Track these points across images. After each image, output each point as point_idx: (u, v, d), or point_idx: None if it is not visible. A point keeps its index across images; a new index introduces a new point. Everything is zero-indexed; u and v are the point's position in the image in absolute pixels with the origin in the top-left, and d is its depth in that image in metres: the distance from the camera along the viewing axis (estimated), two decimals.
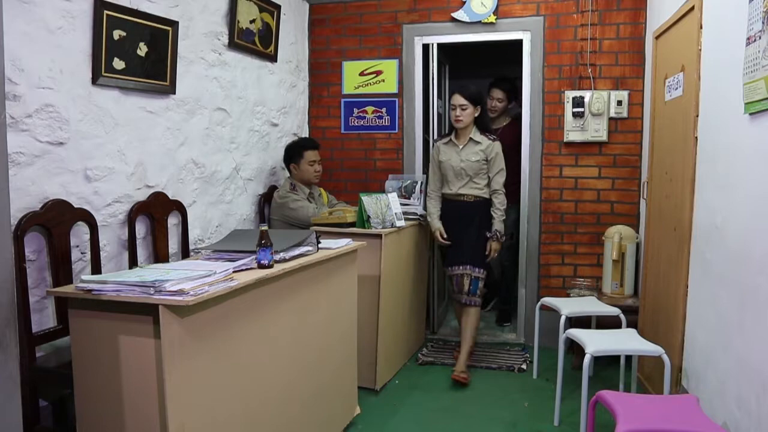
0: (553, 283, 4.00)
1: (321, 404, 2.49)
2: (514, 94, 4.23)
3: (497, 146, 3.43)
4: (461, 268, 3.46)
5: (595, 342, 2.53)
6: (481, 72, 5.06)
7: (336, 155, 4.35)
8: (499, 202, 3.44)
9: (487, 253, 3.43)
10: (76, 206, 2.40)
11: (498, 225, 3.43)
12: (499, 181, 3.43)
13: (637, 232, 3.68)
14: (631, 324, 3.09)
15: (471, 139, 3.42)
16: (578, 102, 3.81)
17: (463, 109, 3.35)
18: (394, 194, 3.56)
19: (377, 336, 3.20)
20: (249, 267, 2.02)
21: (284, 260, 2.16)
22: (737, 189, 2.10)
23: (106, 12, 2.48)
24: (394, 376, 3.49)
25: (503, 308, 4.49)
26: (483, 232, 3.42)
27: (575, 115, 3.82)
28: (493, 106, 4.15)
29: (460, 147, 3.43)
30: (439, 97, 4.46)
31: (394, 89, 4.21)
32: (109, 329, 1.71)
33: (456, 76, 5.12)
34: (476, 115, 3.40)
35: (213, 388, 1.80)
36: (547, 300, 3.35)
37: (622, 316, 3.04)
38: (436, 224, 3.54)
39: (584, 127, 3.83)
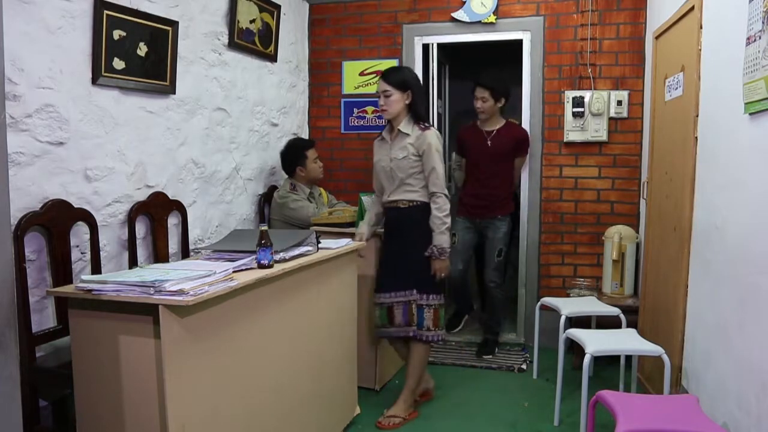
0: (553, 283, 4.00)
1: (321, 404, 2.49)
2: (500, 92, 3.65)
3: (429, 136, 2.76)
4: (394, 294, 2.86)
5: (595, 342, 2.53)
6: (480, 72, 5.06)
7: (336, 155, 4.34)
8: (437, 208, 2.76)
9: (432, 273, 2.82)
10: (76, 206, 2.40)
11: (438, 239, 2.76)
12: (435, 182, 2.76)
13: (637, 232, 3.68)
14: (631, 324, 3.09)
15: (400, 131, 2.82)
16: (578, 102, 3.81)
17: (387, 96, 2.77)
18: None
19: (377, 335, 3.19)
20: (249, 267, 2.02)
21: (284, 260, 2.16)
22: (737, 189, 2.10)
23: (106, 12, 2.48)
24: (394, 376, 3.49)
25: (488, 338, 3.87)
26: (426, 247, 2.79)
27: (575, 115, 3.82)
28: (479, 108, 3.68)
29: (390, 142, 2.87)
30: (439, 97, 4.46)
31: None
32: (109, 329, 1.71)
33: (456, 76, 5.12)
34: (407, 102, 2.80)
35: (213, 388, 1.80)
36: (547, 300, 3.35)
37: (622, 316, 3.04)
38: (361, 228, 3.02)
39: (584, 127, 3.83)
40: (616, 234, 3.59)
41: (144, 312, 1.64)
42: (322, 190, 3.87)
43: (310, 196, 3.64)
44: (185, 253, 3.02)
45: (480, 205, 3.73)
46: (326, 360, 2.52)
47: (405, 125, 2.82)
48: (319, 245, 2.45)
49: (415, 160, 2.79)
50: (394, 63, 4.18)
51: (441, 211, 2.77)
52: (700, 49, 2.51)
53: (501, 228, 3.71)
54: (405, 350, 3.02)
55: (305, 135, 4.37)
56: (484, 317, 4.02)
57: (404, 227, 2.86)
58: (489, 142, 3.70)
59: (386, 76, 2.84)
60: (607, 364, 3.41)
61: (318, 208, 3.60)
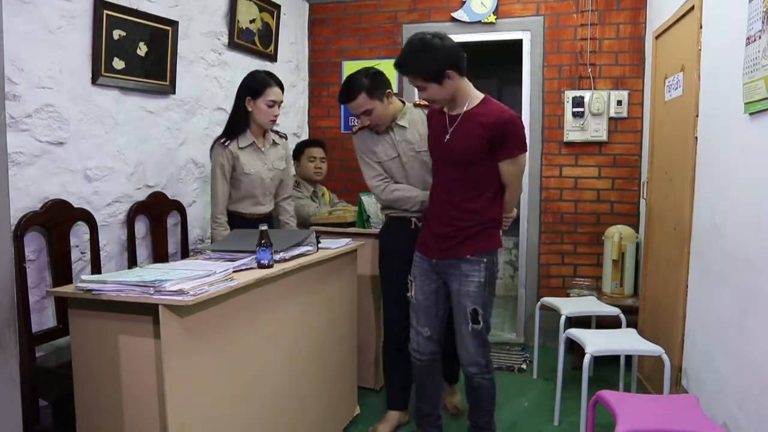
0: (553, 283, 4.00)
1: (321, 404, 2.49)
2: (437, 69, 2.22)
3: (287, 144, 2.99)
4: None
5: (595, 342, 2.53)
6: (480, 72, 5.06)
7: (336, 155, 4.34)
8: (293, 208, 3.04)
9: None
10: (76, 206, 2.40)
11: None
12: (291, 185, 3.03)
13: (637, 232, 3.68)
14: (631, 324, 3.09)
15: (274, 141, 2.85)
16: (578, 102, 3.81)
17: (280, 105, 2.75)
18: None
19: (377, 336, 3.20)
20: (249, 267, 2.02)
21: (284, 260, 2.16)
22: (737, 189, 2.10)
23: (106, 12, 2.48)
24: None
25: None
26: None
27: (575, 114, 3.82)
28: (425, 98, 2.33)
29: (264, 151, 2.78)
30: None
31: (394, 89, 4.18)
32: (109, 329, 1.71)
33: None
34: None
35: (213, 387, 1.79)
36: (547, 300, 3.34)
37: (622, 316, 3.04)
38: None
39: (584, 127, 3.83)
40: (616, 234, 3.59)
41: (144, 312, 1.64)
42: (326, 190, 3.85)
43: (313, 194, 3.63)
44: (185, 253, 3.02)
45: (439, 235, 2.33)
46: (326, 360, 2.52)
47: (272, 134, 2.86)
48: (319, 245, 2.45)
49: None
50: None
51: (295, 211, 3.06)
52: (700, 49, 2.51)
53: (472, 276, 2.28)
54: None
55: (305, 135, 4.38)
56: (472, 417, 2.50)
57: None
58: (448, 135, 2.28)
59: (282, 84, 2.79)
60: (607, 364, 3.41)
61: (320, 207, 3.59)
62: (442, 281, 2.39)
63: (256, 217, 2.75)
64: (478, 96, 2.29)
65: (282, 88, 2.74)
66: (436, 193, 2.39)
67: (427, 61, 2.14)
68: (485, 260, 2.29)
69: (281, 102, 2.73)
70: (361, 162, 2.69)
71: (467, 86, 2.27)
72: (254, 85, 2.69)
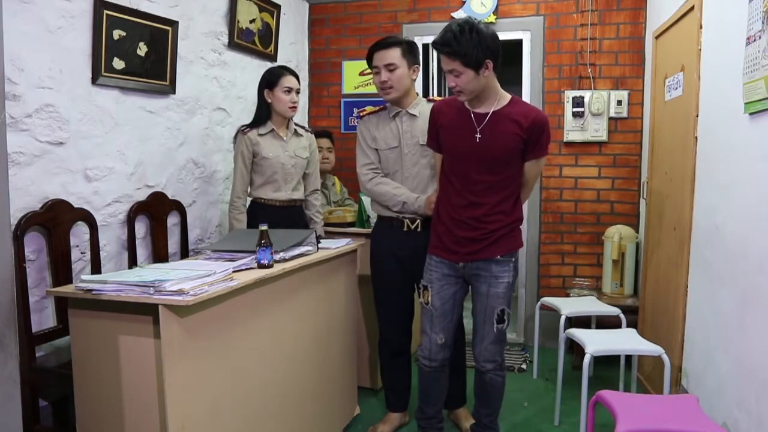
0: (553, 282, 4.00)
1: (321, 404, 2.49)
2: (477, 56, 2.09)
3: (314, 139, 3.08)
4: None
5: (595, 342, 2.53)
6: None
7: (336, 155, 4.33)
8: (321, 204, 3.12)
9: None
10: (76, 206, 2.40)
11: (321, 230, 3.04)
12: (318, 179, 3.09)
13: (637, 232, 3.68)
14: (631, 324, 3.09)
15: (296, 131, 2.95)
16: (578, 102, 3.81)
17: (297, 93, 2.87)
18: None
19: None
20: (249, 267, 2.02)
21: (284, 260, 2.16)
22: (737, 189, 2.10)
23: (106, 12, 2.48)
24: None
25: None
26: None
27: (575, 114, 3.82)
28: (452, 86, 2.18)
29: (285, 140, 2.89)
30: (439, 95, 4.45)
31: None
32: (109, 329, 1.71)
33: None
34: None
35: (213, 388, 1.80)
36: (547, 300, 3.34)
37: (622, 316, 3.04)
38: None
39: (584, 126, 3.83)
40: (616, 234, 3.59)
41: (144, 312, 1.64)
42: (336, 180, 3.85)
43: (322, 186, 3.60)
44: (185, 253, 3.02)
45: (465, 238, 2.27)
46: (326, 360, 2.52)
47: (296, 126, 2.95)
48: (319, 245, 2.45)
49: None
50: None
51: (323, 207, 3.15)
52: (700, 49, 2.51)
53: (502, 277, 2.29)
54: None
55: None
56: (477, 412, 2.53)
57: (299, 224, 2.95)
58: (478, 135, 2.20)
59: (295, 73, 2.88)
60: (607, 364, 3.41)
61: (329, 198, 3.63)
62: (460, 285, 2.37)
63: (276, 204, 2.87)
64: (506, 95, 2.26)
65: (296, 77, 2.86)
66: (458, 194, 2.27)
67: (472, 44, 2.06)
68: (513, 260, 2.32)
69: (298, 90, 2.86)
70: (358, 147, 2.70)
71: (497, 84, 2.23)
72: (269, 77, 2.84)
